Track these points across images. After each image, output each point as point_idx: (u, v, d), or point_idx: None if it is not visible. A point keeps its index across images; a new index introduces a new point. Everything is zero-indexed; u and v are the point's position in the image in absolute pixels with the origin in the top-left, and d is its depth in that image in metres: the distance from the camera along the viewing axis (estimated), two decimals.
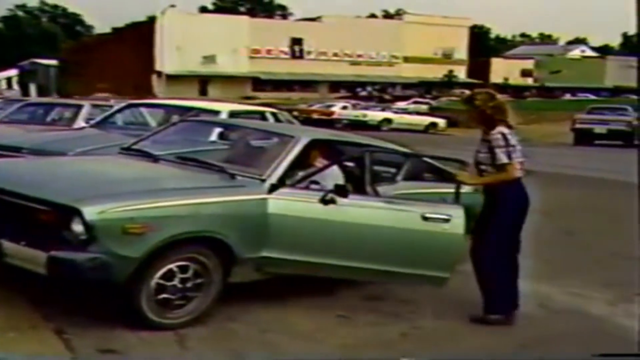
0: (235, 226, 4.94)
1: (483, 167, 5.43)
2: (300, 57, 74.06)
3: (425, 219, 5.30)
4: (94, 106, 12.66)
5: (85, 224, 4.39)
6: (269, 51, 71.97)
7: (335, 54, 75.29)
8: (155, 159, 5.74)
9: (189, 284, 4.83)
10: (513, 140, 5.41)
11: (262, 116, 10.32)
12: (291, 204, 5.13)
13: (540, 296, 6.38)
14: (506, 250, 5.50)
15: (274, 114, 10.62)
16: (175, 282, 4.77)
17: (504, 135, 5.36)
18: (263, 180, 5.19)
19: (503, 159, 5.34)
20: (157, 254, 4.63)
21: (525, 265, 7.35)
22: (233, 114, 9.39)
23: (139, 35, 66.93)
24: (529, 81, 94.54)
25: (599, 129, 29.32)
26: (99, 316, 4.84)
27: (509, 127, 5.46)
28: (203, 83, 66.89)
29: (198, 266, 4.86)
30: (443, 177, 6.33)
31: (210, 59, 66.93)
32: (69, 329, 4.62)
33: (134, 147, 6.20)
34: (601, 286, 6.85)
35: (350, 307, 5.59)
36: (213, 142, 7.62)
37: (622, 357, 4.75)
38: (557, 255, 8.09)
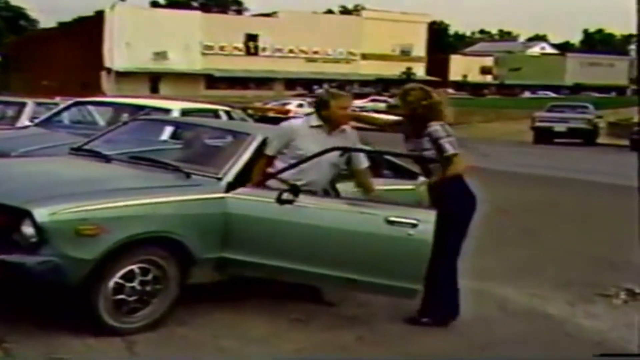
0: (193, 226, 4.95)
1: (432, 165, 5.39)
2: (255, 53, 73.93)
3: (389, 222, 5.05)
4: (39, 104, 12.50)
5: (36, 226, 4.36)
6: (222, 47, 71.72)
7: (291, 51, 75.35)
8: (107, 159, 5.72)
9: (148, 288, 4.84)
10: (451, 131, 5.40)
11: (215, 114, 10.32)
12: (248, 203, 5.15)
13: (498, 297, 6.45)
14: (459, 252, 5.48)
15: (227, 112, 10.62)
16: (135, 283, 4.78)
17: (442, 125, 5.35)
18: (219, 179, 5.22)
19: (450, 149, 5.31)
20: (112, 256, 4.63)
21: (483, 265, 7.50)
22: (185, 112, 9.36)
23: (87, 31, 66.23)
24: (489, 78, 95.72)
25: (559, 127, 29.72)
26: (43, 323, 4.76)
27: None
28: (154, 80, 66.40)
29: (158, 270, 4.87)
30: (404, 174, 6.39)
31: (161, 55, 66.49)
32: (10, 337, 4.53)
33: (85, 147, 6.16)
34: (560, 286, 6.94)
35: (306, 311, 5.57)
36: (165, 141, 7.61)
37: (622, 357, 4.75)
38: (516, 255, 8.21)
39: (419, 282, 5.16)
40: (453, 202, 5.30)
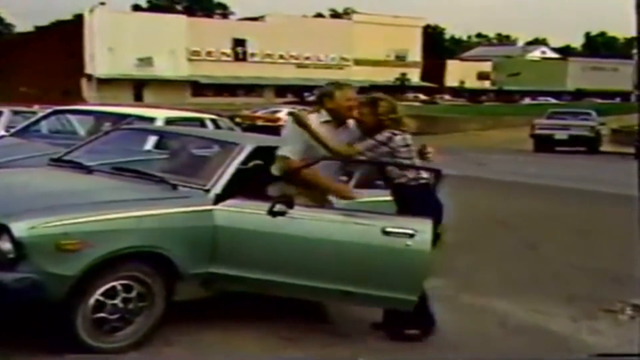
0: (179, 240, 4.96)
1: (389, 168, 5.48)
2: (244, 59, 74.03)
3: (386, 233, 5.16)
4: (16, 112, 12.46)
5: (14, 241, 4.34)
6: (209, 53, 71.79)
7: (281, 56, 75.49)
8: (88, 170, 5.72)
9: (131, 305, 4.83)
10: (397, 145, 5.42)
11: (201, 123, 10.32)
12: (238, 215, 5.16)
13: (499, 313, 6.47)
14: None
15: (213, 121, 10.63)
16: (117, 301, 4.76)
17: (389, 137, 5.39)
18: (207, 191, 5.23)
19: (362, 145, 5.38)
20: (95, 272, 4.61)
21: (482, 280, 7.53)
22: (170, 121, 9.37)
23: (66, 35, 66.16)
24: (486, 84, 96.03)
25: (560, 135, 29.74)
26: (17, 342, 4.73)
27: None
28: (138, 87, 66.39)
29: (142, 287, 4.86)
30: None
31: (145, 61, 66.48)
32: None
33: (65, 157, 6.16)
34: (563, 302, 6.96)
35: (298, 328, 5.58)
36: (150, 151, 7.61)
37: (622, 357, 4.84)
38: (516, 269, 8.24)
39: (417, 293, 5.26)
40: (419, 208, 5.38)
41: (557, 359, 5.19)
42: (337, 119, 5.58)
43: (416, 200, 5.39)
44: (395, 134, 5.40)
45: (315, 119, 5.55)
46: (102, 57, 64.17)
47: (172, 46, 66.97)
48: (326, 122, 5.55)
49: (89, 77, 64.61)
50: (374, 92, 5.81)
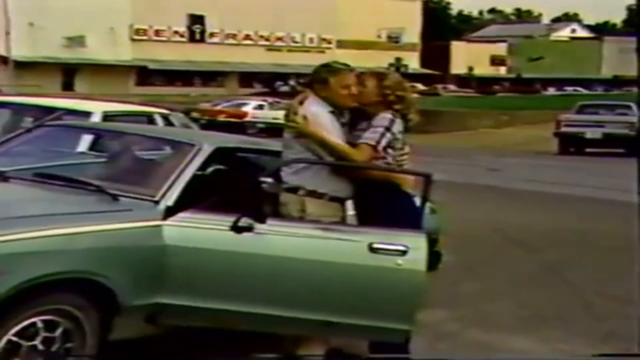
0: (120, 264, 4.95)
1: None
2: (201, 40, 73.94)
3: (373, 250, 5.24)
4: None
5: None
6: (158, 32, 71.63)
7: (248, 37, 75.45)
8: (3, 177, 5.68)
9: (54, 347, 4.79)
10: (397, 131, 5.57)
11: (149, 119, 10.33)
12: (193, 232, 5.17)
13: (516, 352, 6.51)
14: None
15: (164, 116, 10.63)
16: (37, 342, 4.72)
17: (392, 119, 5.53)
18: (156, 202, 5.22)
19: (366, 138, 5.49)
20: (9, 305, 4.57)
21: (494, 312, 7.59)
22: (109, 116, 9.37)
23: None
24: (501, 71, 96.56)
25: (592, 134, 29.77)
26: None
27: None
28: (68, 73, 66.08)
29: (70, 323, 4.84)
30: None
31: (77, 40, 66.07)
32: None
33: None
34: (597, 341, 7.00)
35: (275, 350, 5.63)
36: (84, 153, 7.60)
37: (622, 357, 4.91)
38: (536, 298, 8.30)
39: (410, 322, 5.33)
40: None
41: (558, 359, 5.24)
42: (335, 107, 5.66)
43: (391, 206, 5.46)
44: (394, 115, 5.52)
45: (323, 114, 5.59)
46: (20, 34, 63.45)
47: (111, 23, 66.64)
48: (332, 112, 5.63)
49: (4, 60, 64.00)
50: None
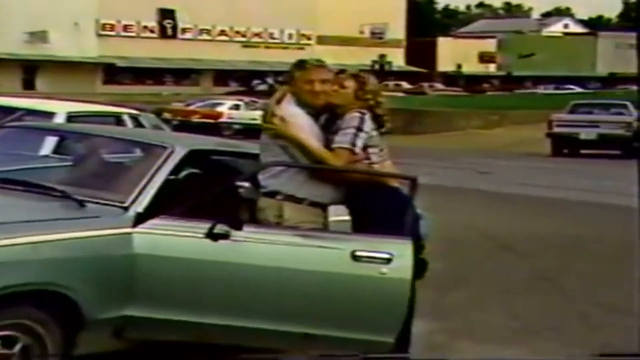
0: (85, 275, 4.93)
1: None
2: (173, 36, 73.81)
3: (355, 258, 5.26)
4: None
5: None
6: (127, 27, 71.46)
7: (223, 32, 75.38)
8: None
9: None
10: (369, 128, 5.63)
11: (117, 119, 10.30)
12: (165, 240, 5.16)
13: None
14: None
15: (134, 117, 10.61)
16: None
17: (361, 117, 5.58)
18: (125, 209, 5.21)
19: (340, 141, 5.53)
20: None
21: (485, 322, 7.60)
22: (74, 117, 9.34)
23: None
24: (490, 68, 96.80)
25: (587, 134, 29.83)
26: None
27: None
28: (29, 71, 65.80)
29: (30, 339, 4.81)
30: None
31: (38, 36, 65.73)
32: None
33: None
34: (590, 351, 6.96)
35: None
36: (47, 156, 7.57)
37: (622, 357, 5.05)
38: (529, 307, 8.32)
39: (394, 334, 5.33)
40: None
41: (558, 359, 5.25)
42: (309, 107, 5.67)
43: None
44: (363, 113, 5.56)
45: (301, 116, 5.61)
46: None
47: (76, 17, 66.33)
48: (309, 113, 5.65)
49: None
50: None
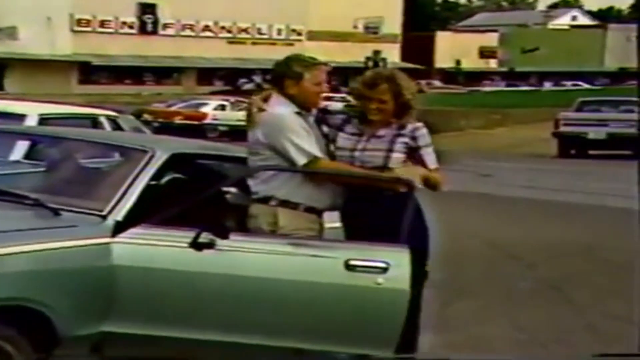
0: (59, 288, 4.92)
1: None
2: (154, 32, 73.78)
3: (349, 267, 5.27)
4: None
5: None
6: (104, 23, 71.43)
7: (207, 28, 75.38)
8: None
9: None
10: None
11: (94, 122, 10.30)
12: (147, 250, 5.16)
13: None
14: None
15: (112, 119, 10.61)
16: None
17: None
18: (103, 217, 5.20)
19: (433, 162, 5.67)
20: None
21: (489, 334, 7.60)
22: (47, 119, 9.33)
23: None
24: (492, 64, 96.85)
25: (595, 134, 29.89)
26: None
27: None
28: None
29: None
30: None
31: (7, 32, 65.61)
32: None
33: None
34: None
35: None
36: (18, 162, 7.56)
37: (622, 357, 5.02)
38: (535, 319, 8.32)
39: (392, 347, 5.34)
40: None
41: (558, 359, 5.28)
42: (302, 108, 5.68)
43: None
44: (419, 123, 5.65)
45: (290, 109, 5.62)
46: None
47: (48, 12, 66.17)
48: (299, 113, 5.65)
49: None
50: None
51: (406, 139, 5.60)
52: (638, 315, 8.64)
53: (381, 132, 5.63)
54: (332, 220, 5.86)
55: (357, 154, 5.60)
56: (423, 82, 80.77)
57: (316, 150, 5.54)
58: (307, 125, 5.63)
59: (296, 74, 5.67)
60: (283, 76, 5.72)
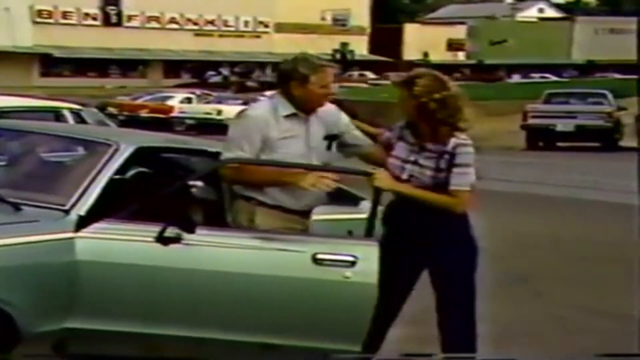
0: (21, 285, 4.89)
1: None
2: (118, 24, 73.55)
3: (317, 261, 5.27)
4: None
5: None
6: (66, 14, 71.09)
7: (173, 20, 75.20)
8: None
9: None
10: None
11: (56, 115, 10.24)
12: (111, 245, 5.13)
13: None
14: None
15: (75, 112, 10.55)
16: None
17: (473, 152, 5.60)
18: (66, 212, 5.17)
19: (464, 184, 5.61)
20: None
21: None
22: (5, 112, 9.27)
23: None
24: (460, 56, 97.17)
25: (563, 126, 30.00)
26: None
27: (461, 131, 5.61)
28: None
29: None
30: (343, 198, 6.43)
31: None
32: None
33: None
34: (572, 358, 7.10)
35: None
36: None
37: (622, 357, 5.37)
38: (507, 313, 8.32)
39: (359, 342, 5.34)
40: (466, 252, 5.96)
41: (558, 359, 5.29)
42: (305, 109, 5.66)
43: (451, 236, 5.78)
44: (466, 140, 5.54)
45: (271, 112, 5.62)
46: None
47: (6, 2, 65.87)
48: (291, 115, 5.63)
49: None
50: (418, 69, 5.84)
51: (448, 156, 5.53)
52: (638, 313, 8.69)
53: (430, 145, 5.54)
54: (324, 212, 5.89)
55: (408, 166, 5.50)
56: (392, 74, 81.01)
57: (247, 155, 5.49)
58: (289, 127, 5.59)
59: (302, 75, 5.62)
60: (288, 76, 5.68)
